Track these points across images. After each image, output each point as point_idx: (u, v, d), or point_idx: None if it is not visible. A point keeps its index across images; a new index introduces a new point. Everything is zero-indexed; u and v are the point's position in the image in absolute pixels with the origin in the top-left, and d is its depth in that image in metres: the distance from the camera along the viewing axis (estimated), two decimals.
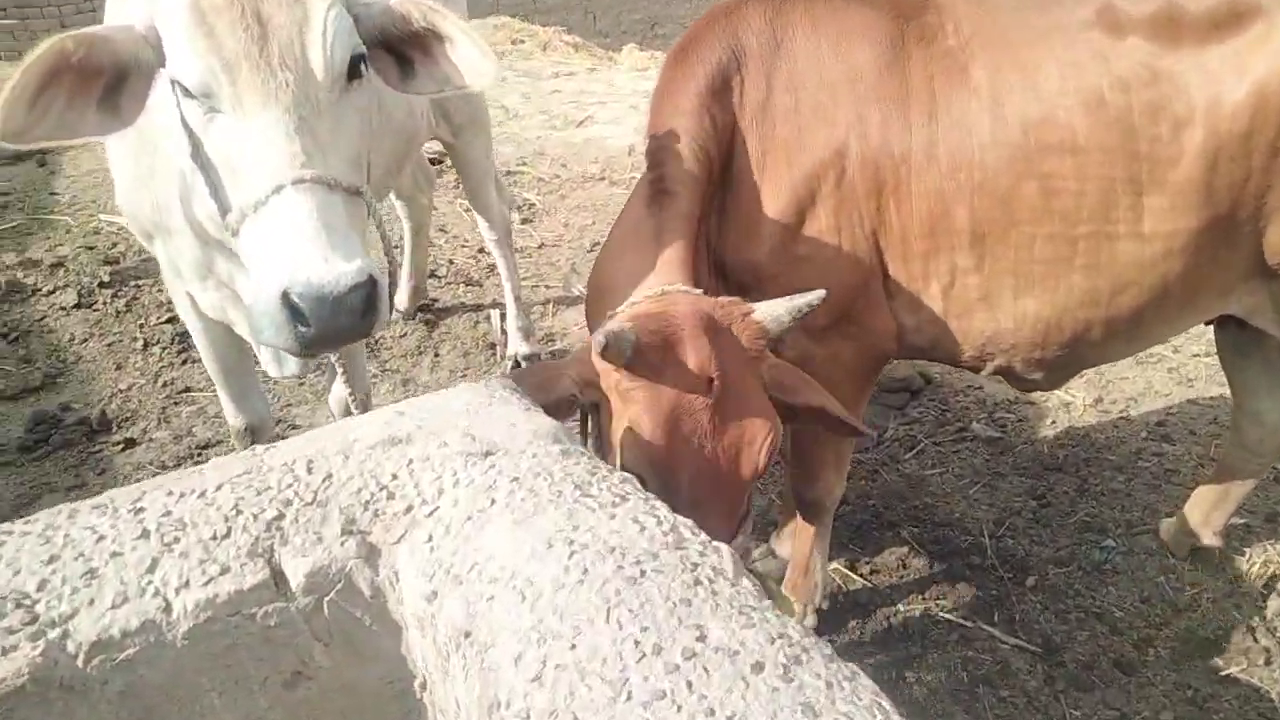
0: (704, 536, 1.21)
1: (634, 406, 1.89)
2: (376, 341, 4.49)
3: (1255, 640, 2.83)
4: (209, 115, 1.68)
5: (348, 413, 3.01)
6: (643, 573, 1.10)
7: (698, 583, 1.10)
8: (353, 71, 1.78)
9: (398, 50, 1.95)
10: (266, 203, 1.61)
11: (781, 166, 2.30)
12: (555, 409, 1.92)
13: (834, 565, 3.21)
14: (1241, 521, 3.31)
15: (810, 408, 2.12)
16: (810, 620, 2.92)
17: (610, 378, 1.94)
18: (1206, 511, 3.09)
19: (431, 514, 1.24)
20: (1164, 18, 2.18)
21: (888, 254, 2.38)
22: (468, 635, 1.08)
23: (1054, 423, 3.93)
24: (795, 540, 2.90)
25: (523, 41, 12.41)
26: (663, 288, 2.08)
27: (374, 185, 3.30)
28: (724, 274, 2.44)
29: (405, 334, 4.54)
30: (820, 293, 2.01)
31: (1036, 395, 4.12)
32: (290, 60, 1.67)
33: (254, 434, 2.84)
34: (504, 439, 1.36)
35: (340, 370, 2.83)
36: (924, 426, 3.93)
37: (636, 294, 2.10)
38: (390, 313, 1.97)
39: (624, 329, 1.84)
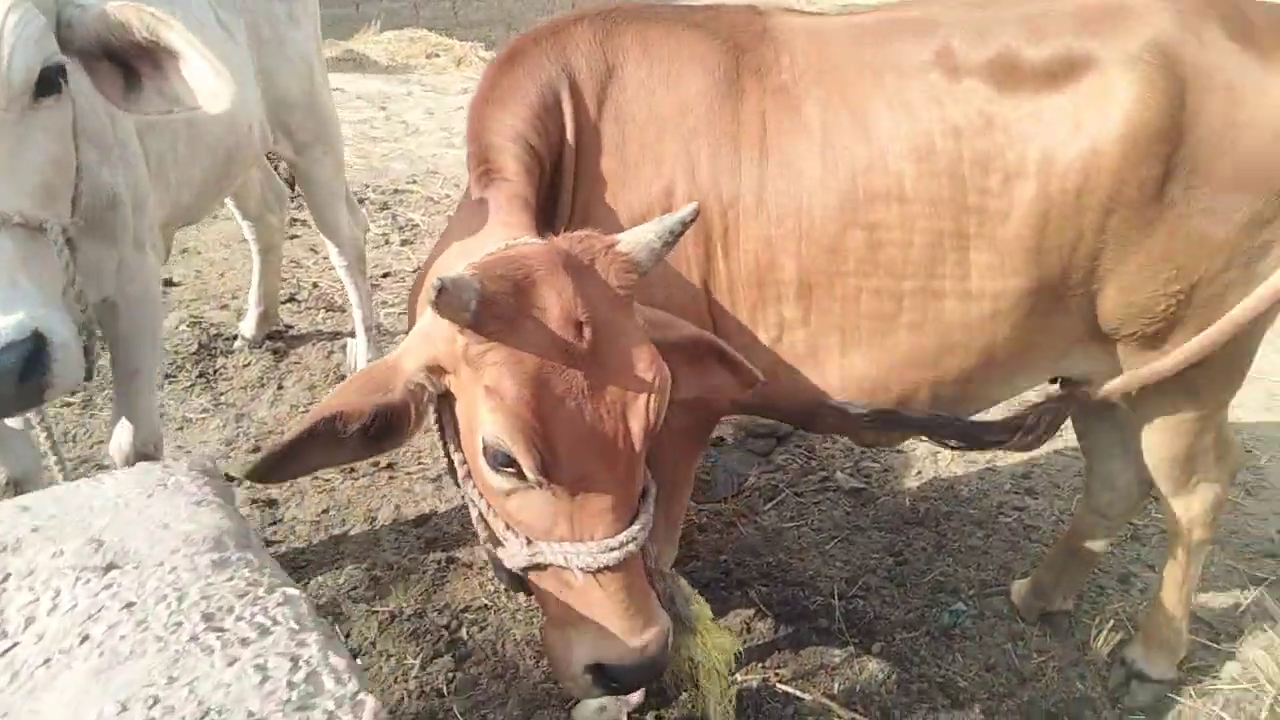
0: (351, 687, 0.99)
1: (490, 370, 1.55)
2: (214, 371, 4.17)
3: (1095, 712, 2.73)
4: None
5: (130, 464, 2.72)
6: None
7: None
8: (44, 86, 1.52)
9: (124, 61, 1.71)
10: None
11: (607, 206, 2.11)
12: (401, 412, 1.66)
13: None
14: (1095, 581, 3.23)
15: (694, 340, 1.90)
16: (637, 695, 2.72)
17: (456, 346, 1.59)
18: (1057, 575, 2.99)
19: (6, 652, 0.99)
20: (1001, 64, 2.06)
21: (716, 304, 2.20)
22: None
23: (919, 473, 3.82)
24: None
25: (438, 55, 12.17)
26: (507, 242, 1.74)
27: (191, 209, 3.06)
28: None
29: (249, 363, 4.24)
30: (692, 207, 1.75)
31: (905, 445, 4.01)
32: None
33: (18, 486, 2.53)
34: (143, 547, 1.12)
35: (121, 410, 2.56)
36: (787, 475, 3.78)
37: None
38: (88, 375, 1.66)
39: (464, 275, 1.51)
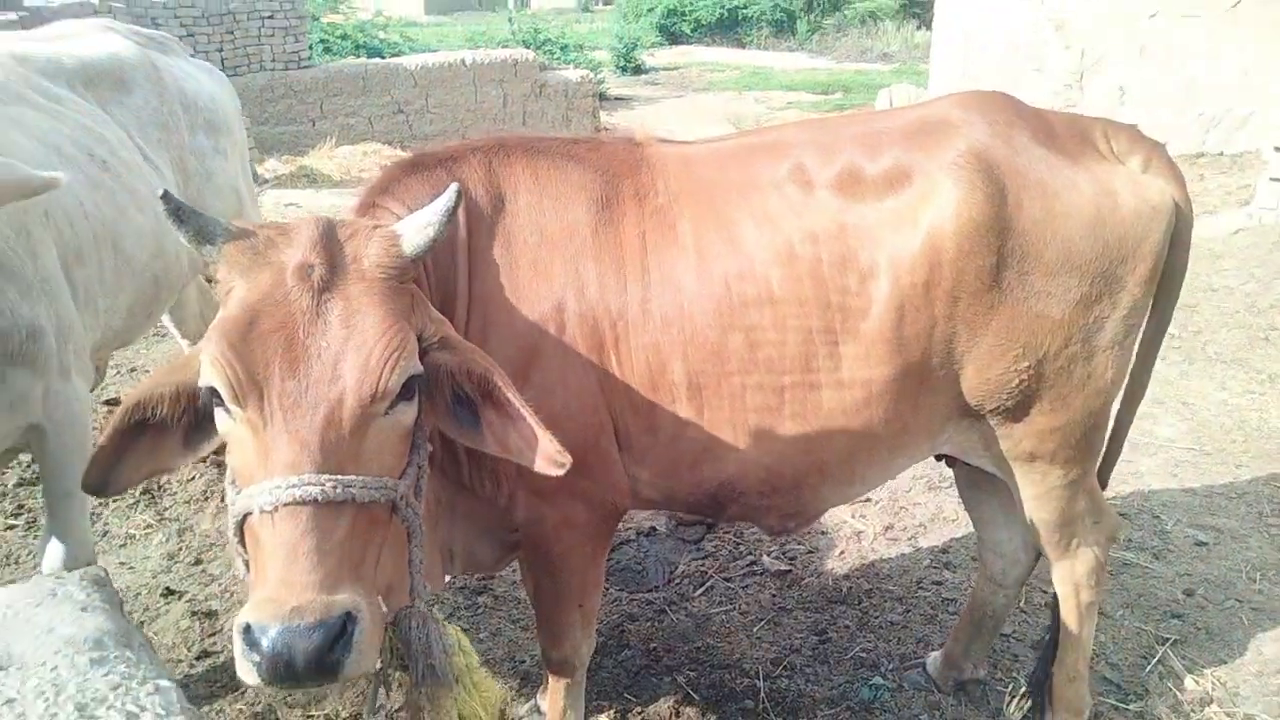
0: None
1: (228, 300, 1.68)
2: (158, 485, 4.26)
3: None
4: None
5: None
6: None
7: None
8: None
9: None
10: None
11: (503, 323, 2.26)
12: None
13: (603, 717, 3.09)
14: (1009, 650, 3.36)
15: (469, 374, 1.83)
16: None
17: (222, 292, 1.72)
18: (965, 645, 3.12)
19: None
20: (846, 177, 2.31)
21: (614, 408, 2.35)
22: None
23: (843, 553, 3.96)
24: (550, 697, 2.78)
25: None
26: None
27: (122, 333, 3.22)
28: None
29: (192, 478, 4.33)
30: (453, 188, 1.79)
31: (829, 524, 4.17)
32: None
33: None
34: (28, 649, 1.25)
35: (52, 530, 2.66)
36: (717, 561, 3.91)
37: None
38: None
39: (221, 218, 1.73)
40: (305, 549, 1.54)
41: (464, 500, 2.44)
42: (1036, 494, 2.59)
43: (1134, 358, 2.54)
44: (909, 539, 4.04)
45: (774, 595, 3.69)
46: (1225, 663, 3.24)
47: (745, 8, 28.59)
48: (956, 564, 3.85)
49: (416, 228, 1.81)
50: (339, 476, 1.59)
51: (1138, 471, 4.49)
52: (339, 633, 1.51)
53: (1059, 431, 2.44)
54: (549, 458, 1.81)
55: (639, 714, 3.13)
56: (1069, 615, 2.80)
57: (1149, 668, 3.24)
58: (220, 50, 11.47)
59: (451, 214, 1.80)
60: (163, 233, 3.29)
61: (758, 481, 2.44)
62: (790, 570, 3.83)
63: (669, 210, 2.34)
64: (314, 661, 1.48)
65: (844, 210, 2.29)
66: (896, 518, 4.19)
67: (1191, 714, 3.02)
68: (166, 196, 1.69)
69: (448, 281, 2.23)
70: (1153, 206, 2.31)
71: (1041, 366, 2.35)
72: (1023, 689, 3.13)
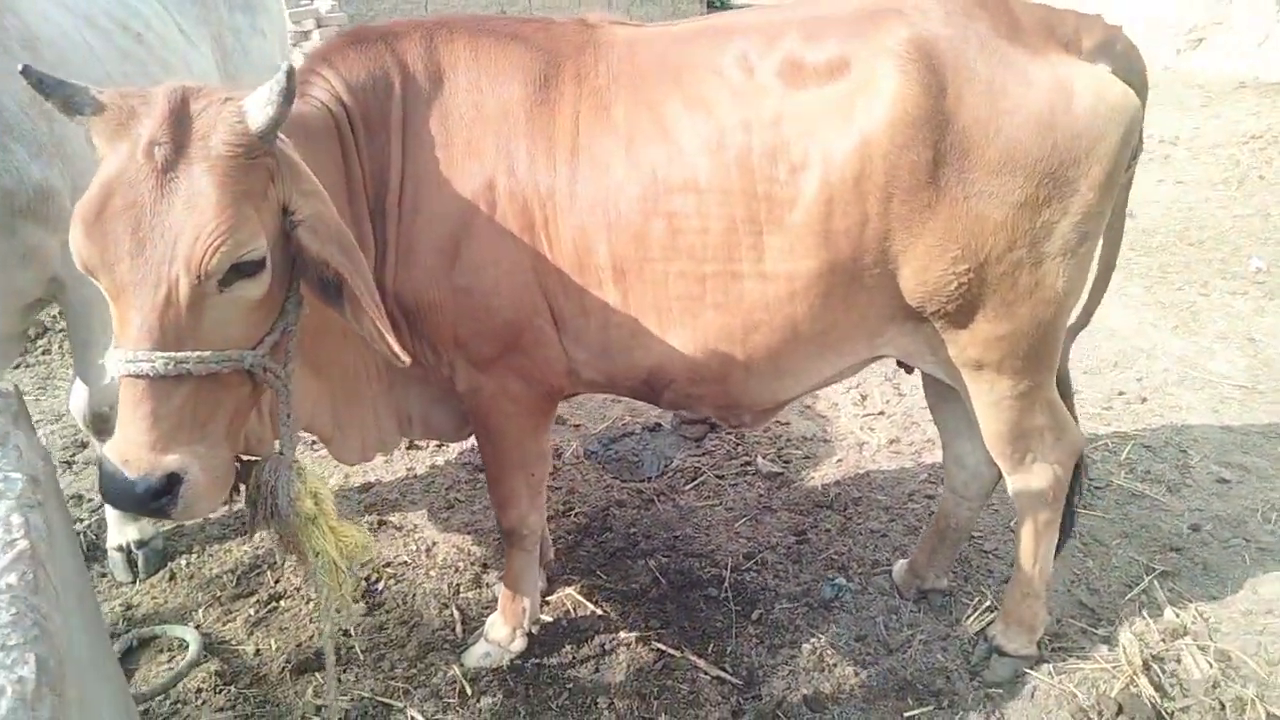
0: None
1: (96, 173, 1.76)
2: None
3: (949, 682, 2.84)
4: None
5: (87, 423, 3.12)
6: None
7: None
8: None
9: None
10: None
11: (435, 198, 2.33)
12: None
13: (569, 591, 3.26)
14: (984, 564, 3.33)
15: (327, 265, 1.88)
16: (519, 644, 2.97)
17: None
18: (929, 555, 3.12)
19: None
20: (787, 65, 2.25)
21: (547, 289, 2.40)
22: None
23: (840, 461, 3.96)
24: (506, 565, 2.95)
25: None
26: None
27: None
28: (388, 302, 2.43)
29: None
30: (285, 67, 1.75)
31: (833, 433, 4.16)
32: None
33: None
34: None
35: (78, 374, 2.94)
36: (713, 459, 3.98)
37: None
38: None
39: (91, 87, 1.77)
40: (141, 414, 1.74)
41: (415, 368, 2.56)
42: (986, 404, 2.53)
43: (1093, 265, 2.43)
44: (913, 453, 4.00)
45: (761, 495, 3.75)
46: (1215, 599, 3.13)
47: None
48: None
49: (258, 105, 1.77)
50: (173, 354, 1.73)
51: (1177, 405, 4.28)
52: (163, 488, 1.76)
53: (1005, 340, 2.37)
54: (390, 355, 1.93)
55: (608, 591, 3.27)
56: (1024, 531, 2.76)
57: (1129, 595, 3.16)
58: None
59: (287, 95, 1.74)
60: None
61: (684, 369, 2.47)
62: (783, 473, 3.86)
63: (605, 92, 2.33)
64: (139, 504, 1.76)
65: (781, 98, 2.24)
66: (905, 432, 4.14)
67: (1160, 644, 2.94)
68: (26, 70, 1.73)
69: (383, 155, 2.31)
70: (1111, 107, 2.17)
71: (983, 270, 2.26)
72: (987, 603, 3.13)
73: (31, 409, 4.47)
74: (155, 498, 1.76)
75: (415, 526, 3.62)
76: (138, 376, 1.72)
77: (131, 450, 1.75)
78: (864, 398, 4.49)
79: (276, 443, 2.10)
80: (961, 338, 2.40)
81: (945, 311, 2.35)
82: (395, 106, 2.31)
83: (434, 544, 3.52)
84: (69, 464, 4.07)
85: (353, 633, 3.08)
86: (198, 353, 1.76)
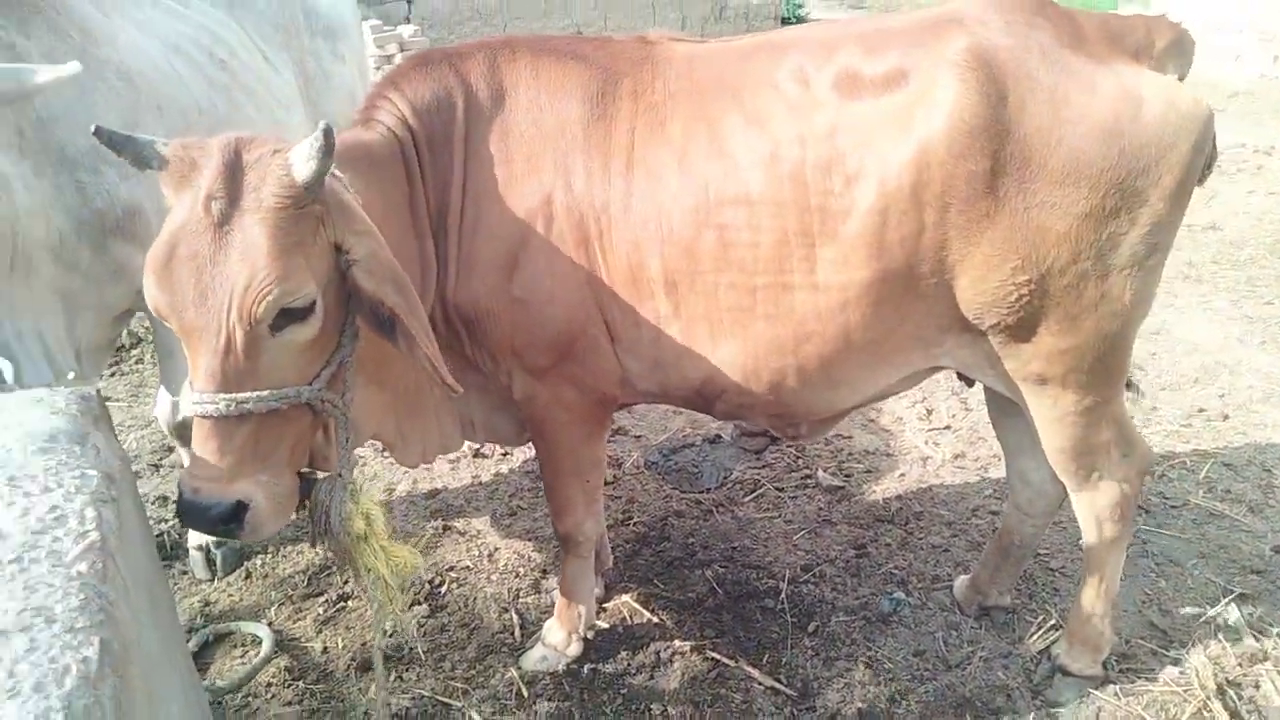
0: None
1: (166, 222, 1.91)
2: None
3: (1009, 700, 2.78)
4: None
5: (171, 429, 3.29)
6: None
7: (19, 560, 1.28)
8: None
9: None
10: None
11: (494, 213, 2.41)
12: None
13: (626, 599, 3.29)
14: (1050, 582, 3.25)
15: (381, 303, 1.97)
16: (575, 649, 3.01)
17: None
18: (991, 572, 3.06)
19: None
20: (844, 78, 2.26)
21: (602, 300, 2.45)
22: None
23: (903, 475, 3.91)
24: (562, 571, 3.00)
25: None
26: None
27: None
28: (449, 313, 2.53)
29: None
30: (322, 126, 1.82)
31: (896, 447, 4.11)
32: None
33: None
34: None
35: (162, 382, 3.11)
36: (773, 471, 3.97)
37: None
38: None
39: (162, 140, 1.92)
40: (209, 449, 1.92)
41: (476, 375, 2.65)
42: (1049, 419, 2.47)
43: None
44: (978, 468, 3.93)
45: (821, 508, 3.73)
46: None
47: None
48: None
49: (300, 160, 1.85)
50: (234, 395, 1.88)
51: (1262, 423, 4.11)
52: (231, 514, 1.95)
53: (1069, 354, 2.31)
54: (443, 385, 2.04)
55: (664, 599, 3.30)
56: (1091, 550, 2.69)
57: (1204, 618, 3.05)
58: None
59: (326, 150, 1.82)
60: (279, 131, 3.66)
61: (736, 380, 2.48)
62: (844, 487, 3.83)
63: (662, 108, 2.37)
64: (210, 528, 1.99)
65: (837, 111, 2.24)
66: (971, 446, 4.07)
67: (1237, 669, 2.83)
68: (98, 130, 1.86)
69: (447, 173, 2.40)
70: (1182, 115, 2.11)
71: (1045, 282, 2.22)
72: (1052, 621, 3.05)
73: (124, 415, 4.72)
74: (224, 522, 1.95)
75: (479, 532, 3.70)
76: (204, 416, 1.89)
77: (201, 481, 1.93)
78: (929, 412, 4.42)
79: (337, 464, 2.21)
80: (1023, 351, 2.35)
81: (1006, 324, 2.30)
82: (458, 125, 2.40)
83: (496, 549, 3.60)
84: (156, 467, 4.28)
85: (415, 634, 3.17)
86: (257, 393, 1.90)
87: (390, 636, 3.11)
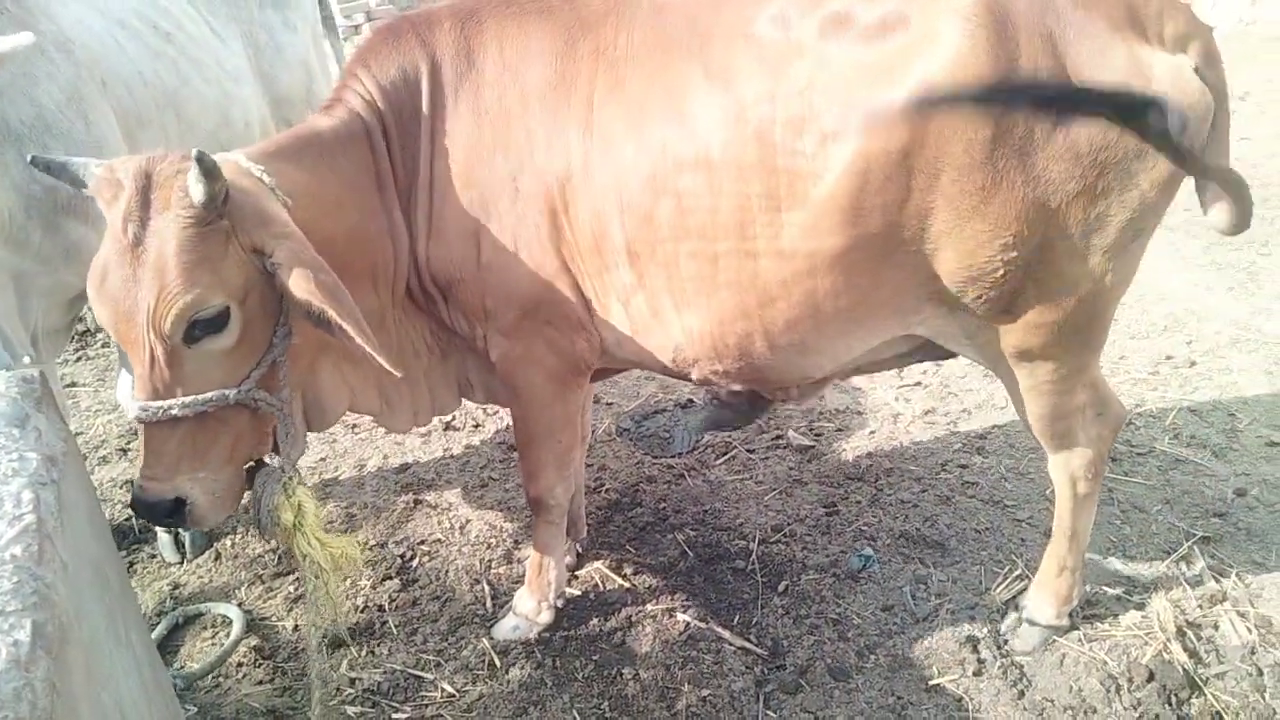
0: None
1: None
2: None
3: (975, 651, 2.81)
4: None
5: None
6: None
7: None
8: None
9: None
10: None
11: (464, 179, 2.38)
12: None
13: (598, 565, 3.30)
14: (1018, 534, 3.27)
15: (314, 306, 1.99)
16: (546, 616, 3.02)
17: None
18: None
19: None
20: (832, 21, 2.12)
21: (573, 269, 2.43)
22: None
23: (873, 433, 3.92)
24: (534, 538, 3.00)
25: None
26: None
27: None
28: (423, 279, 2.53)
29: None
30: (194, 155, 1.86)
31: (866, 404, 4.12)
32: None
33: None
34: None
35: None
36: (743, 433, 3.97)
37: None
38: None
39: (99, 163, 2.06)
40: (149, 450, 2.09)
41: (463, 339, 2.66)
42: (1026, 388, 2.43)
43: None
44: (948, 423, 3.95)
45: (791, 468, 3.74)
46: (1259, 565, 3.03)
47: None
48: (990, 450, 3.73)
49: (193, 183, 1.90)
50: (159, 402, 2.02)
51: (1228, 368, 4.13)
52: (172, 509, 2.12)
53: (1048, 328, 2.25)
54: (382, 370, 2.06)
55: (636, 564, 3.30)
56: (1063, 507, 2.68)
57: (1167, 562, 3.08)
58: None
59: (207, 174, 1.87)
60: (228, 104, 3.60)
61: (704, 349, 2.46)
62: (814, 446, 3.85)
63: (622, 67, 2.30)
64: (156, 520, 2.18)
65: (818, 62, 2.10)
66: (941, 402, 4.08)
67: (1198, 610, 2.87)
68: (34, 159, 2.00)
69: (415, 144, 2.41)
70: (1187, 104, 2.01)
71: (1032, 259, 2.14)
72: (1017, 572, 3.08)
73: (90, 399, 4.68)
74: (168, 516, 2.14)
75: (450, 505, 3.70)
76: (140, 421, 2.05)
77: (145, 478, 2.10)
78: (900, 369, 4.43)
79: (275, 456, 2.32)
80: (1002, 324, 2.29)
81: (987, 298, 2.22)
82: (424, 97, 2.39)
83: (467, 521, 3.60)
84: (124, 451, 4.25)
85: (387, 608, 3.17)
86: (182, 399, 2.03)
87: (357, 615, 3.12)
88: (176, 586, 3.36)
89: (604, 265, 2.39)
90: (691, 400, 4.24)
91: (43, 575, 1.40)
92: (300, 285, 1.98)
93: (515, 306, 2.48)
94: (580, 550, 3.36)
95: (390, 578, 3.30)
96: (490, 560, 3.37)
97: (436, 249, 2.48)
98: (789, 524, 3.43)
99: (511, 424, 2.87)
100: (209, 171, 1.88)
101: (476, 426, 4.24)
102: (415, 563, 3.39)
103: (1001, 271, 2.16)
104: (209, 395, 2.06)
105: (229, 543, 3.56)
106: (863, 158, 2.07)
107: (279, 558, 3.45)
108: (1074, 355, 2.36)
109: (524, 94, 2.36)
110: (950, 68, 2.00)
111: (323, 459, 3.98)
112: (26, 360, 2.94)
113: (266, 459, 2.32)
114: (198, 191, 1.90)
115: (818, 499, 3.55)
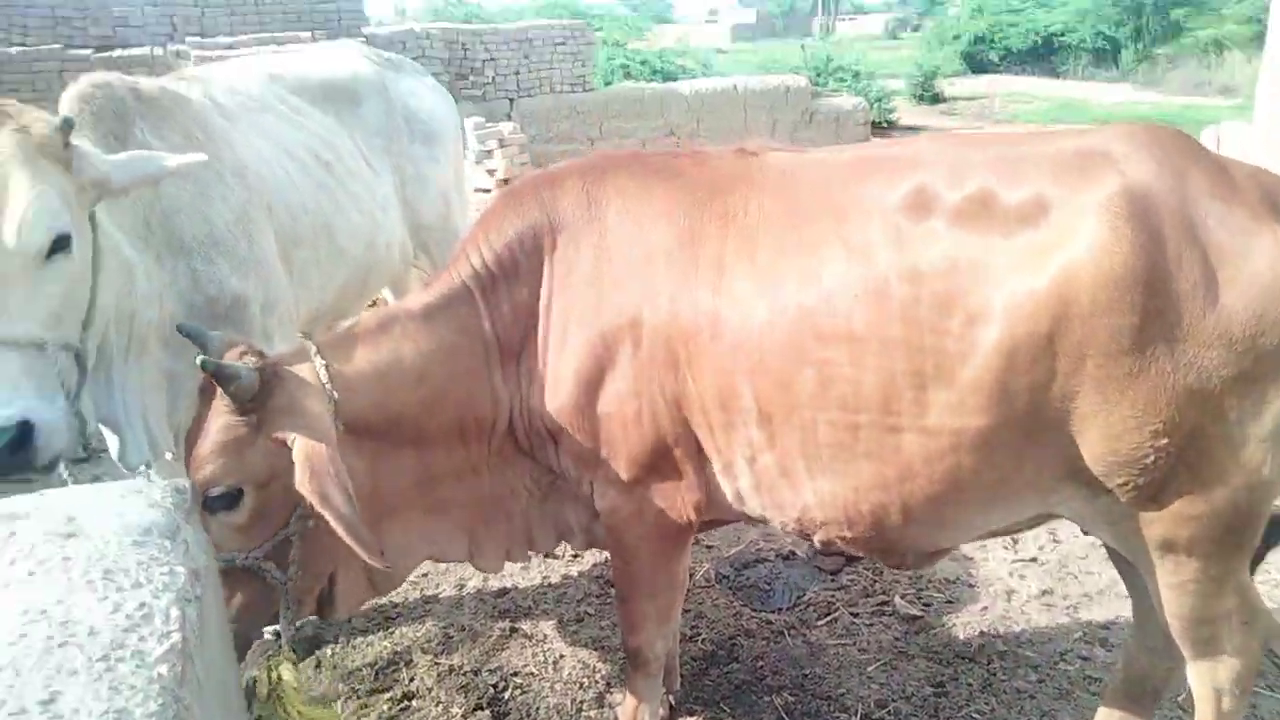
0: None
1: None
2: None
3: None
4: None
5: None
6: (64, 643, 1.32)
7: (105, 659, 1.31)
8: (57, 247, 2.20)
9: None
10: None
11: (583, 329, 2.46)
12: None
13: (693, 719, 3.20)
14: None
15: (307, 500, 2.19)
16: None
17: None
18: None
19: None
20: (974, 203, 2.15)
21: (694, 423, 2.45)
22: None
23: (985, 609, 3.74)
24: (628, 688, 2.94)
25: None
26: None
27: (335, 308, 3.80)
28: (533, 425, 2.58)
29: None
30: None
31: (978, 576, 3.95)
32: None
33: None
34: (95, 527, 1.63)
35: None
36: (848, 594, 3.85)
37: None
38: (74, 451, 2.39)
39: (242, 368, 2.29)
40: None
41: (569, 484, 2.68)
42: (1168, 584, 2.29)
43: None
44: (1067, 607, 3.74)
45: (898, 638, 3.58)
46: None
47: (1063, 34, 26.78)
48: (1114, 642, 3.51)
49: (228, 384, 2.20)
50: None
51: None
52: None
53: (1196, 521, 2.15)
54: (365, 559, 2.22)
55: None
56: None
57: None
58: (517, 73, 12.73)
59: (225, 382, 2.21)
60: (374, 231, 3.87)
61: (835, 514, 2.41)
62: (922, 616, 3.69)
63: (753, 232, 2.36)
64: None
65: (961, 243, 2.13)
66: (1060, 583, 3.88)
67: None
68: (204, 363, 2.15)
69: (534, 299, 2.52)
70: None
71: (1183, 446, 2.07)
72: None
73: None
74: None
75: (545, 636, 3.66)
76: None
77: None
78: (1015, 541, 4.24)
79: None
80: (1147, 512, 2.19)
81: (1134, 484, 2.14)
82: (545, 254, 2.50)
83: (561, 656, 3.55)
84: None
85: None
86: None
87: None
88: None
89: (729, 422, 2.40)
90: (794, 552, 4.15)
91: (183, 697, 1.44)
92: (299, 479, 2.16)
93: (629, 459, 2.50)
94: (673, 704, 3.26)
95: (481, 708, 3.26)
96: (582, 701, 3.30)
97: (553, 394, 2.52)
98: (893, 700, 3.27)
99: (615, 576, 2.85)
100: (226, 379, 2.17)
101: (575, 557, 4.23)
102: (507, 694, 3.35)
103: (1151, 457, 2.09)
104: (233, 557, 2.28)
105: (329, 651, 3.59)
106: (1009, 339, 2.07)
107: (376, 673, 3.46)
108: (1225, 553, 2.23)
109: (649, 250, 2.44)
110: (1093, 259, 2.01)
111: (425, 574, 4.01)
112: (168, 456, 3.11)
113: (267, 632, 2.47)
114: (234, 393, 2.21)
115: (925, 676, 3.38)
